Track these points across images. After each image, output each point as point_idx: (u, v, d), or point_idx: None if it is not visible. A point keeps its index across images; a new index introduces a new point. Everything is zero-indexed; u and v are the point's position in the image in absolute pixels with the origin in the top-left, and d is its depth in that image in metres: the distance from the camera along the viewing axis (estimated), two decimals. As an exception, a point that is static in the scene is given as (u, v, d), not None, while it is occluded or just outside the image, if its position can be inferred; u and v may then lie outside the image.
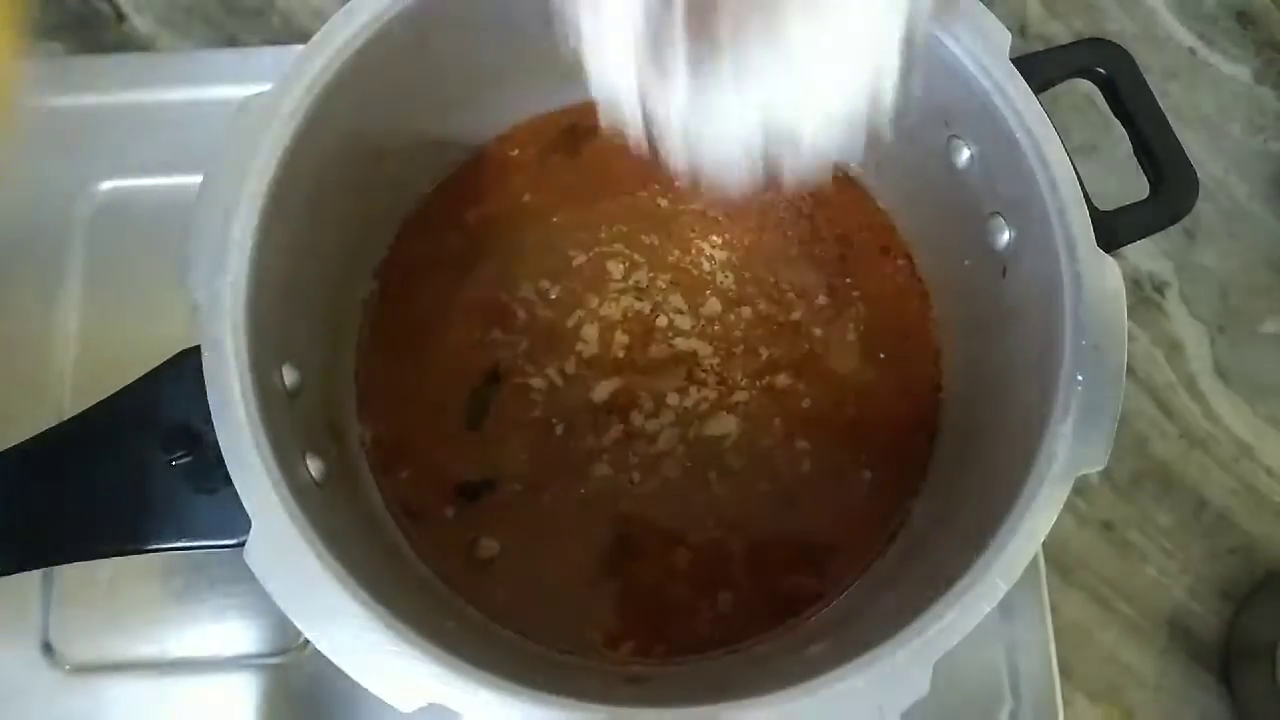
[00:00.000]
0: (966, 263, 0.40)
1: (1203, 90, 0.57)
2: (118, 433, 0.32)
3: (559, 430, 0.41)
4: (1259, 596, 0.49)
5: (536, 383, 0.42)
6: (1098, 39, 0.39)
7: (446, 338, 0.43)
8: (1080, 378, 0.32)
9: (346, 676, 0.29)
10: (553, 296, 0.43)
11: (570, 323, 0.43)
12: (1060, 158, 0.35)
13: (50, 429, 0.33)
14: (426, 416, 0.42)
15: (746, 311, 0.43)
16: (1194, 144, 0.54)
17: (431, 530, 0.40)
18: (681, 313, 0.43)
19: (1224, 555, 0.51)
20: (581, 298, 0.43)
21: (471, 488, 0.41)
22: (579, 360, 0.42)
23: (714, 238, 0.44)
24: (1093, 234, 0.34)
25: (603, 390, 0.42)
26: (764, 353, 0.43)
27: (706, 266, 0.44)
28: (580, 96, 0.45)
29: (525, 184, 0.45)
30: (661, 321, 0.43)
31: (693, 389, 0.42)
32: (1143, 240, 0.51)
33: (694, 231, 0.44)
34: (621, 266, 0.44)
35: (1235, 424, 0.52)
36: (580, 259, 0.44)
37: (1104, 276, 0.33)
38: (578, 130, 0.45)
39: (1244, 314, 0.54)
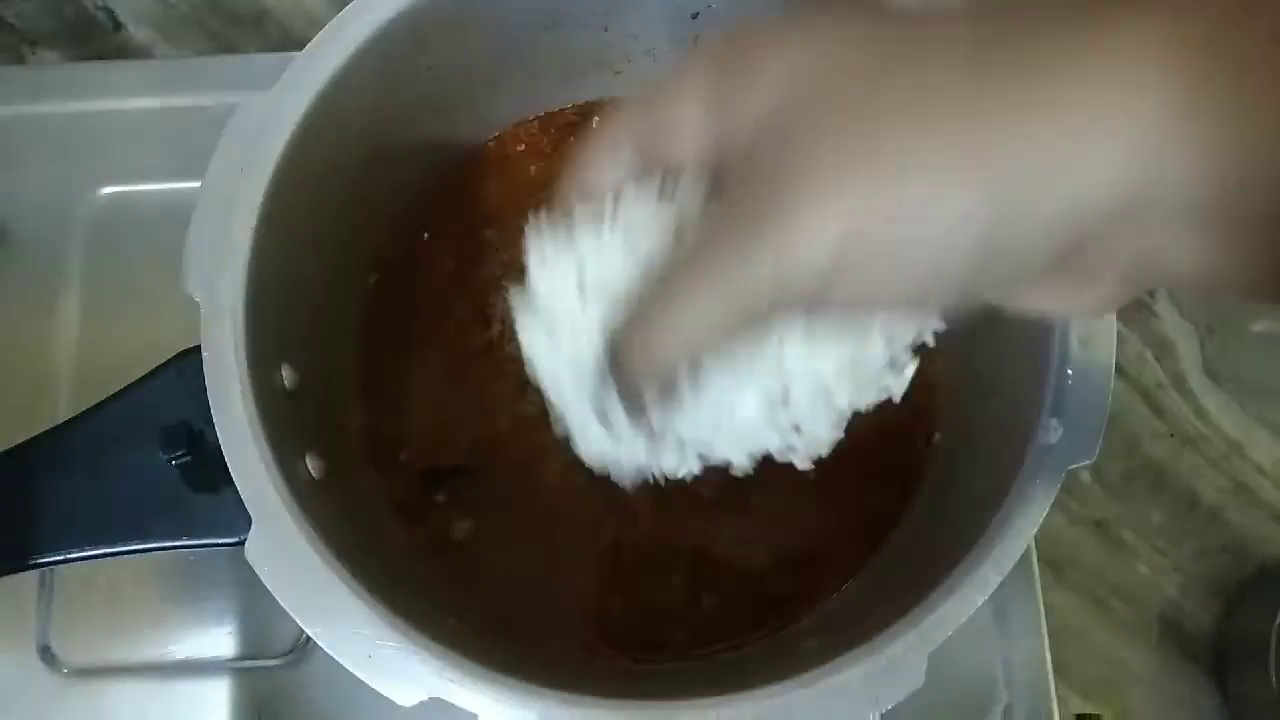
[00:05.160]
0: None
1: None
2: (118, 432, 0.33)
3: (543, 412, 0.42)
4: (1250, 593, 0.50)
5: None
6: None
7: (445, 325, 0.43)
8: (1070, 371, 0.33)
9: (348, 676, 0.29)
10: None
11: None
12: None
13: (51, 429, 0.34)
14: (425, 402, 0.42)
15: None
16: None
17: (424, 517, 0.40)
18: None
19: (1215, 553, 0.51)
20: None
21: (461, 473, 0.41)
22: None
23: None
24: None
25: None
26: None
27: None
28: (575, 96, 0.46)
29: (525, 178, 0.45)
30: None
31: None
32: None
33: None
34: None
35: (1225, 423, 0.53)
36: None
37: (1092, 273, 0.34)
38: (577, 126, 0.46)
39: (1233, 314, 0.54)
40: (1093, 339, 0.33)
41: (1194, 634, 0.50)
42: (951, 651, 0.30)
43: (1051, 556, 0.50)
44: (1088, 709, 0.49)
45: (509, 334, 0.43)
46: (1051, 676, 0.44)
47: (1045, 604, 0.45)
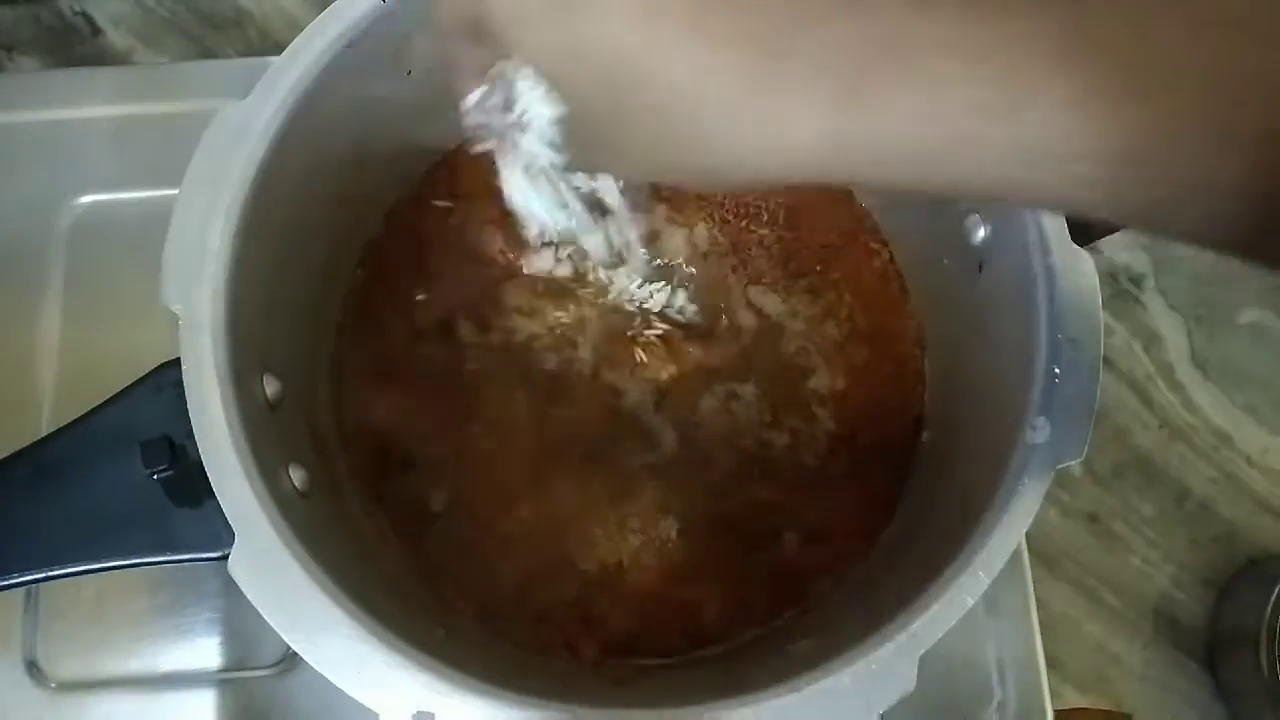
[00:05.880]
0: (945, 260, 0.40)
1: (1175, 85, 0.58)
2: (99, 448, 0.32)
3: (534, 406, 0.42)
4: (1241, 583, 0.50)
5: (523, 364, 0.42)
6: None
7: (426, 322, 0.43)
8: (1057, 371, 0.33)
9: (335, 687, 0.29)
10: (538, 287, 0.43)
11: (550, 312, 0.43)
12: (1034, 154, 0.35)
13: (31, 444, 0.33)
14: (409, 408, 0.41)
15: (730, 302, 0.44)
16: (1167, 138, 0.55)
17: (410, 524, 0.40)
18: (666, 303, 0.43)
19: (1206, 544, 0.51)
20: (562, 287, 0.43)
21: (446, 478, 0.41)
22: (559, 345, 0.42)
23: (699, 228, 0.45)
24: (1067, 229, 0.34)
25: (588, 373, 0.42)
26: (748, 345, 0.43)
27: (692, 253, 0.44)
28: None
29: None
30: (642, 311, 0.43)
31: (675, 379, 0.42)
32: (1118, 234, 0.52)
33: (680, 223, 0.45)
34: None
35: (1214, 414, 0.53)
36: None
37: (1079, 271, 0.34)
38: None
39: (1220, 304, 0.55)
40: (1080, 338, 0.33)
41: (1186, 625, 0.50)
42: (944, 647, 0.30)
43: (1043, 550, 0.50)
44: (1081, 702, 0.49)
45: (495, 338, 0.43)
46: (1044, 670, 0.45)
47: (1037, 597, 0.45)
